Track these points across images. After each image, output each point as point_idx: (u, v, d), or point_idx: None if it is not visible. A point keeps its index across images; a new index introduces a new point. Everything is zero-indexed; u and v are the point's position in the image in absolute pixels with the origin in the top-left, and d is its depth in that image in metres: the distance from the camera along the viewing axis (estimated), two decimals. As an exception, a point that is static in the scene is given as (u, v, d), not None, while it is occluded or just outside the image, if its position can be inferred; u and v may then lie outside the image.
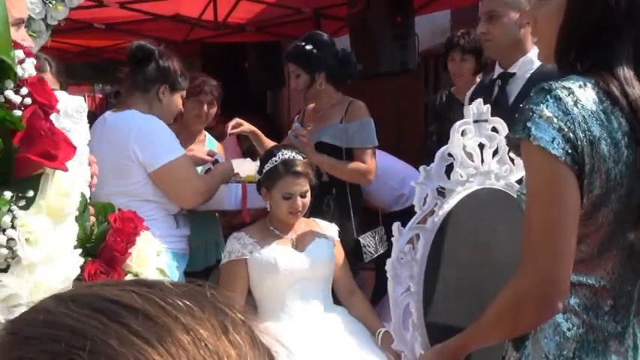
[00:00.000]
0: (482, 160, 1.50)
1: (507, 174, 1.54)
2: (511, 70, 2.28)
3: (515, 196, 1.53)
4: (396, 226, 1.37)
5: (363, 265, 2.89)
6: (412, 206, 3.42)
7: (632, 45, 1.18)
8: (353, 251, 2.63)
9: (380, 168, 3.12)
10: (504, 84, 2.28)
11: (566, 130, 1.10)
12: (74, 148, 1.23)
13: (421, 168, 1.41)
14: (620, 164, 1.13)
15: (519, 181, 1.57)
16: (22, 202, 1.00)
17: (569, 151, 1.10)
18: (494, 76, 2.38)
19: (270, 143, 2.80)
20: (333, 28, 5.19)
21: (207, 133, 3.12)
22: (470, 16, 3.40)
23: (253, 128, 2.86)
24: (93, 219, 1.34)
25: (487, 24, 2.24)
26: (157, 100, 2.39)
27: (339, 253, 2.40)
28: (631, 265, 1.22)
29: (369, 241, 2.76)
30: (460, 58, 3.35)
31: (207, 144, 3.07)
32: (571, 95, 1.12)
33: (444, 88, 5.20)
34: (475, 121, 1.49)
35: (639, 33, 1.18)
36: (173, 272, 2.27)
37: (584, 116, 1.11)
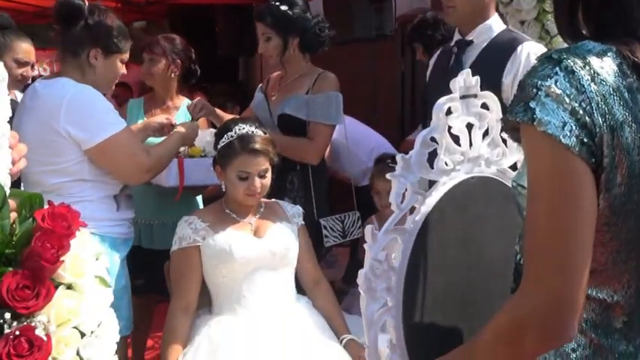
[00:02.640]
0: (471, 144, 1.26)
1: (499, 158, 1.31)
2: (469, 37, 2.17)
3: (509, 185, 1.31)
4: (369, 229, 1.13)
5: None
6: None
7: None
8: (314, 234, 2.39)
9: (350, 138, 2.91)
10: (460, 52, 2.17)
11: (581, 112, 0.87)
12: None
13: (398, 157, 1.16)
14: None
15: (513, 167, 1.34)
16: None
17: (585, 139, 0.87)
18: (452, 43, 2.25)
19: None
20: (305, -10, 4.87)
21: (185, 99, 2.87)
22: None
23: (217, 112, 2.61)
24: (14, 215, 1.08)
25: None
26: (89, 66, 2.06)
27: (304, 239, 2.17)
28: None
29: (332, 225, 2.52)
30: (414, 47, 3.57)
31: (182, 110, 2.80)
32: (587, 67, 0.89)
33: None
34: (462, 97, 1.24)
35: None
36: (112, 262, 2.03)
37: (603, 95, 0.88)
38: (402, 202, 1.16)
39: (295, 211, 2.20)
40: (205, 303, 2.09)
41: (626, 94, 0.90)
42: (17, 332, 0.99)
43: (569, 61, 0.90)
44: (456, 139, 1.24)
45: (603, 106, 0.88)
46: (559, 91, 0.88)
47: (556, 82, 0.88)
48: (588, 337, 0.99)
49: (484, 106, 1.27)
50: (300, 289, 2.17)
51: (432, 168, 1.21)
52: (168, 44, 2.72)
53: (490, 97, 1.27)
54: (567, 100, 0.87)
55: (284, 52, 2.51)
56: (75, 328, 1.08)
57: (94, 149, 1.98)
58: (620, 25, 0.95)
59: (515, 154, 1.31)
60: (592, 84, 0.88)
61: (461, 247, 1.22)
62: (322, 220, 2.48)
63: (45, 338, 1.01)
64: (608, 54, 0.92)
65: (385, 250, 1.13)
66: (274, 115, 2.56)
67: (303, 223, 2.20)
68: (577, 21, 0.99)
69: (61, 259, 1.06)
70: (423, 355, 1.12)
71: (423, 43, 3.40)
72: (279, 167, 2.41)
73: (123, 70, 2.16)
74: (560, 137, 0.87)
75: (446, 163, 1.22)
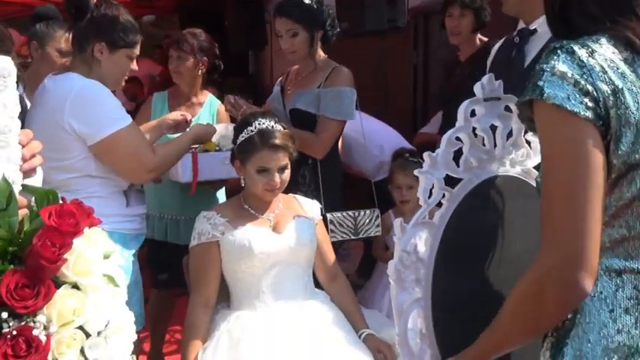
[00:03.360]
0: (495, 144, 1.32)
1: (524, 159, 1.37)
2: (532, 26, 1.98)
3: (533, 184, 1.37)
4: (398, 222, 1.20)
5: None
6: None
7: None
8: None
9: (363, 133, 2.86)
10: (523, 42, 1.99)
11: (582, 82, 0.97)
12: None
13: (425, 154, 1.23)
14: None
15: (537, 167, 1.40)
16: None
17: (590, 104, 0.97)
18: (515, 32, 2.07)
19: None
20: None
21: (210, 95, 2.91)
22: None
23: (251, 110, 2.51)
24: (24, 212, 1.06)
25: None
26: (95, 61, 2.02)
27: (322, 234, 2.18)
28: None
29: (341, 220, 2.47)
30: (459, 13, 3.16)
31: (207, 106, 2.84)
32: (585, 48, 1.00)
33: (434, 48, 4.99)
34: (485, 99, 1.30)
35: None
36: (122, 257, 1.96)
37: (602, 66, 0.98)
38: (429, 197, 1.22)
39: (313, 206, 2.21)
40: (224, 298, 2.11)
41: (623, 65, 1.00)
42: (15, 332, 0.97)
43: (569, 45, 1.00)
44: (480, 140, 1.30)
45: (602, 75, 0.97)
46: (563, 69, 0.98)
47: (559, 61, 0.99)
48: (634, 316, 1.01)
49: (507, 108, 1.33)
50: (319, 284, 2.18)
51: (458, 166, 1.27)
52: (196, 41, 2.73)
53: (513, 100, 1.32)
54: (570, 74, 0.97)
55: (311, 46, 2.45)
56: (80, 328, 1.05)
57: (97, 145, 1.95)
58: (606, 17, 1.05)
59: (539, 155, 1.37)
60: (590, 58, 0.98)
61: (487, 243, 1.28)
62: (329, 215, 2.44)
63: (44, 339, 0.99)
64: (603, 38, 1.02)
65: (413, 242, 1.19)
66: (287, 109, 2.53)
67: (321, 218, 2.21)
68: (567, 21, 1.09)
69: (65, 256, 1.03)
70: (452, 344, 1.19)
71: (474, 9, 3.12)
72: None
73: (133, 66, 2.11)
74: (567, 106, 0.96)
75: (471, 162, 1.28)
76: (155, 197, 2.70)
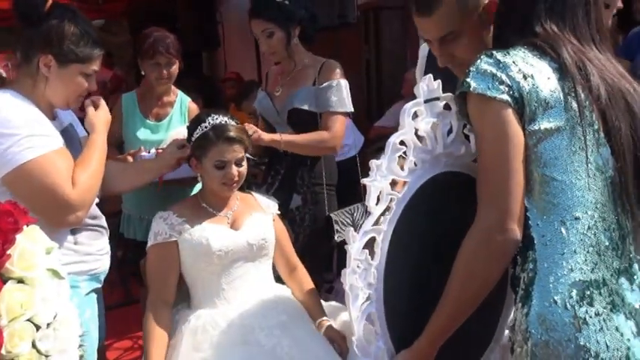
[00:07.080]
0: (437, 142, 1.36)
1: (464, 153, 1.41)
2: None
3: (475, 177, 1.41)
4: (349, 232, 1.22)
5: None
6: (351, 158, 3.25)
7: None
8: (325, 229, 2.37)
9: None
10: None
11: (499, 74, 1.20)
12: None
13: (371, 162, 1.26)
14: (558, 93, 1.20)
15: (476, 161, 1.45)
16: None
17: (505, 89, 1.19)
18: None
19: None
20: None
21: (179, 92, 2.84)
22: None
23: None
24: None
25: None
26: (42, 76, 1.74)
27: (279, 228, 2.19)
28: (613, 194, 1.23)
29: (343, 219, 2.48)
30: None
31: (177, 104, 2.80)
32: (502, 52, 1.24)
33: (385, 42, 5.03)
34: (426, 101, 1.34)
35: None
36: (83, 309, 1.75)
37: (513, 61, 1.22)
38: (377, 203, 1.25)
39: (269, 202, 2.22)
40: (183, 298, 2.10)
41: (531, 59, 1.23)
42: None
43: (490, 51, 1.25)
44: (422, 141, 1.34)
45: (514, 66, 1.21)
46: (484, 67, 1.21)
47: (482, 63, 1.22)
48: (582, 255, 1.17)
49: (447, 106, 1.36)
50: (279, 278, 2.19)
51: (402, 169, 1.30)
52: (174, 41, 2.66)
53: (451, 99, 1.37)
54: (489, 70, 1.21)
55: (289, 44, 2.43)
56: (29, 321, 1.08)
57: (5, 180, 1.63)
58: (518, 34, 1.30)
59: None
60: (504, 57, 1.22)
61: (435, 240, 1.32)
62: (333, 215, 2.44)
63: None
64: (517, 47, 1.26)
65: (365, 248, 1.22)
66: (282, 110, 2.49)
67: (277, 213, 2.22)
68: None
69: (8, 252, 1.07)
70: (407, 341, 1.23)
71: None
72: (289, 163, 2.33)
73: (92, 85, 1.83)
74: (487, 93, 1.19)
75: (415, 164, 1.32)
76: (134, 198, 2.68)
